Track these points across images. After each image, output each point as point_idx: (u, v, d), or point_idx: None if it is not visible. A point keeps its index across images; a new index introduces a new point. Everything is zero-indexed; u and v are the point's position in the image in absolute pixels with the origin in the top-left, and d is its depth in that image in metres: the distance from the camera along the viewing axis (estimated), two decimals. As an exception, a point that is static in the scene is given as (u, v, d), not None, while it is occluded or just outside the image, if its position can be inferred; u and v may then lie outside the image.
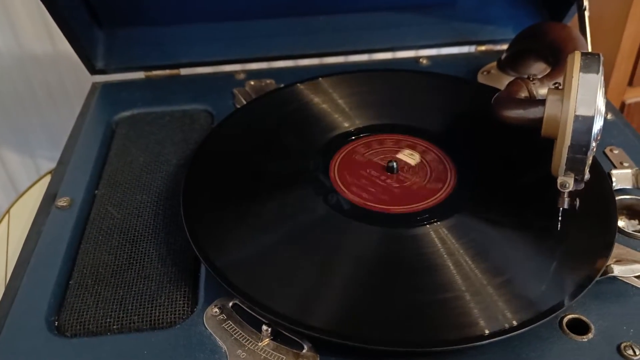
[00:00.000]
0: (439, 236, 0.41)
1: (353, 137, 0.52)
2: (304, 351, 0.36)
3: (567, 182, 0.39)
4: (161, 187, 0.50)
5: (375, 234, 0.42)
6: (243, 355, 0.36)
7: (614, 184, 0.47)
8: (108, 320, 0.39)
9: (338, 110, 0.54)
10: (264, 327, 0.37)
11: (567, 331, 0.37)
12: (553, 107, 0.40)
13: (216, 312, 0.39)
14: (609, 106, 0.57)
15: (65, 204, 0.48)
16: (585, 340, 0.37)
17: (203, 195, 0.46)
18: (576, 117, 0.37)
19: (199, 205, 0.44)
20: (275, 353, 0.36)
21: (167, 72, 0.65)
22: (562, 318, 0.38)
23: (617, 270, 0.39)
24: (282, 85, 0.60)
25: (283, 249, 0.41)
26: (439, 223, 0.42)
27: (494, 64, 0.63)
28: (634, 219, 0.46)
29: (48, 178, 0.52)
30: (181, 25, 0.66)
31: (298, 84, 0.57)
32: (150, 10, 0.65)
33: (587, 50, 0.50)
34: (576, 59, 0.38)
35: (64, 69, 0.82)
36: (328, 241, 0.42)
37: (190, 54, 0.66)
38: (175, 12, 0.66)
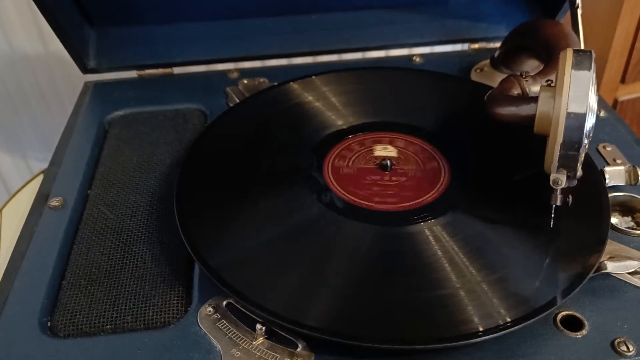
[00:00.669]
0: (433, 234, 0.41)
1: (347, 135, 0.51)
2: (299, 350, 0.36)
3: (560, 179, 0.39)
4: (155, 187, 0.50)
5: (369, 232, 0.42)
6: (237, 354, 0.36)
7: (607, 181, 0.47)
8: (101, 320, 0.39)
9: (331, 108, 0.54)
10: (258, 326, 0.37)
11: (562, 328, 0.37)
12: (545, 104, 0.40)
13: (210, 311, 0.39)
14: (601, 103, 0.57)
15: (57, 204, 0.48)
16: (580, 336, 0.37)
17: (196, 194, 0.46)
18: (568, 114, 0.38)
19: (192, 205, 0.44)
20: (269, 352, 0.36)
21: (160, 71, 0.65)
22: (557, 315, 0.38)
23: (611, 266, 0.39)
24: (275, 83, 0.60)
25: (277, 248, 0.41)
26: (433, 220, 0.42)
27: (487, 61, 0.63)
28: (627, 216, 0.46)
29: (40, 178, 0.51)
30: (174, 24, 0.66)
31: (291, 82, 0.57)
32: (143, 9, 0.65)
33: (580, 47, 0.50)
34: (568, 56, 0.38)
35: (56, 69, 0.82)
36: (322, 239, 0.42)
37: (183, 52, 0.65)
38: (168, 11, 0.65)
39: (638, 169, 0.47)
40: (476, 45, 0.69)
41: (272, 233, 0.42)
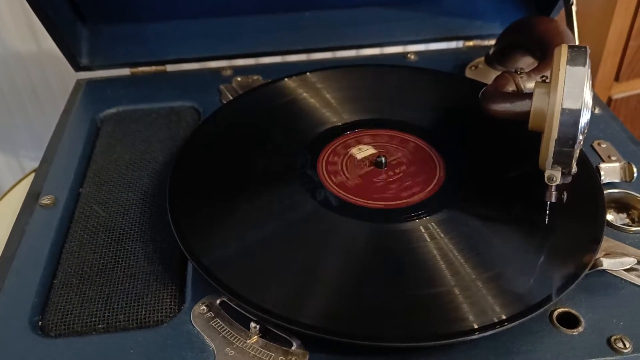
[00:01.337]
0: (428, 231, 0.41)
1: (342, 132, 0.51)
2: (293, 348, 0.36)
3: (555, 176, 0.39)
4: (147, 184, 0.49)
5: (364, 230, 0.42)
6: (231, 353, 0.36)
7: (602, 178, 0.47)
8: (93, 319, 0.38)
9: (326, 105, 0.54)
10: (253, 325, 0.36)
11: (557, 325, 0.37)
12: (540, 100, 0.40)
13: (204, 309, 0.38)
14: (596, 100, 0.57)
15: (49, 202, 0.47)
16: (576, 333, 0.37)
17: (190, 192, 0.45)
18: (563, 110, 0.37)
19: (185, 203, 0.44)
20: (264, 350, 0.36)
21: (153, 68, 0.65)
22: (552, 312, 0.38)
23: (607, 263, 0.39)
24: (269, 80, 0.59)
25: (271, 246, 0.41)
26: (428, 218, 0.42)
27: (482, 59, 0.63)
28: (622, 213, 0.46)
29: (32, 177, 0.51)
30: (167, 21, 0.66)
31: (286, 79, 0.57)
32: (136, 6, 0.64)
33: (575, 44, 0.50)
34: (563, 52, 0.38)
35: (48, 67, 0.81)
36: (316, 237, 0.41)
37: (177, 50, 0.65)
38: (161, 8, 0.65)
39: (633, 166, 0.46)
40: (471, 43, 0.69)
41: (266, 231, 0.42)
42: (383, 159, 0.47)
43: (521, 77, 0.45)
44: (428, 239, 0.41)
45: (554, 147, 0.38)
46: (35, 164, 0.53)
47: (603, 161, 0.49)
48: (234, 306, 0.38)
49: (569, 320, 0.37)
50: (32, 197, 0.48)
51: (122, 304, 0.39)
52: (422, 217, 0.42)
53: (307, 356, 0.35)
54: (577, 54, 0.38)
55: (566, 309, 0.38)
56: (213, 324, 0.37)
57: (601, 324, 0.37)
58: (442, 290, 0.37)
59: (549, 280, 0.38)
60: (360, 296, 0.37)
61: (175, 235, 0.41)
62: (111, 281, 0.41)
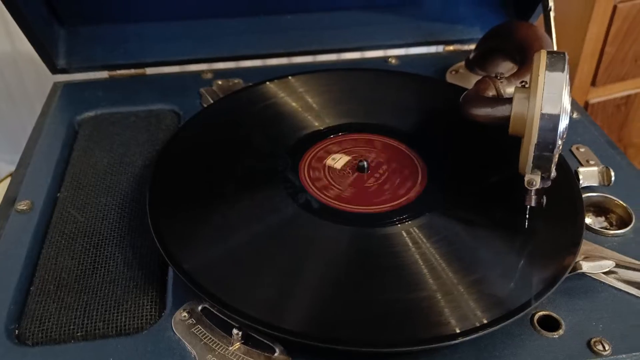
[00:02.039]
0: (410, 235, 0.41)
1: (324, 137, 0.51)
2: (276, 354, 0.36)
3: (534, 180, 0.40)
4: (126, 189, 0.49)
5: (346, 234, 0.42)
6: (213, 360, 0.35)
7: (580, 182, 0.47)
8: (72, 327, 0.38)
9: (308, 109, 0.54)
10: (235, 331, 0.36)
11: (538, 328, 0.37)
12: (520, 105, 0.40)
13: (185, 316, 0.38)
14: (574, 105, 0.58)
15: (25, 207, 0.46)
16: (556, 336, 0.37)
17: (170, 196, 0.45)
18: (542, 115, 0.38)
19: (165, 207, 0.43)
20: (246, 357, 0.35)
21: (132, 71, 0.64)
22: (533, 315, 0.38)
23: (586, 266, 0.40)
24: (250, 84, 0.59)
25: (252, 251, 0.41)
26: (410, 222, 0.42)
27: (462, 63, 0.64)
28: (601, 216, 0.47)
29: (8, 181, 0.50)
30: (147, 23, 0.65)
31: (267, 82, 0.56)
32: (115, 7, 0.63)
33: (553, 49, 0.51)
34: (542, 58, 0.39)
35: (24, 69, 0.80)
36: (298, 242, 0.41)
37: (156, 52, 0.64)
38: (141, 10, 0.64)
39: (611, 170, 0.47)
40: (451, 47, 0.69)
41: (247, 235, 0.42)
42: (365, 163, 0.47)
43: (501, 81, 0.45)
44: (410, 243, 0.41)
45: (534, 152, 0.38)
46: (12, 168, 0.52)
47: (582, 165, 0.50)
48: (216, 312, 0.37)
49: (550, 323, 0.38)
50: (8, 202, 0.47)
51: (101, 311, 0.39)
52: (405, 222, 0.42)
53: (290, 362, 0.35)
54: (555, 60, 0.38)
55: (547, 312, 0.38)
56: (194, 331, 0.37)
57: (581, 327, 0.38)
58: (424, 295, 0.37)
59: (530, 284, 0.38)
60: (342, 301, 0.37)
61: (155, 240, 0.40)
62: (89, 287, 0.40)
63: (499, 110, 0.41)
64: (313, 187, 0.46)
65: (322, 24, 0.68)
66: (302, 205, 0.44)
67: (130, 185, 0.49)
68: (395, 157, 0.49)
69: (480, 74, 0.60)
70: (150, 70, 0.64)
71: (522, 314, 0.36)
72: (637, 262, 0.41)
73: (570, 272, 0.39)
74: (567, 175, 0.46)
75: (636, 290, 0.40)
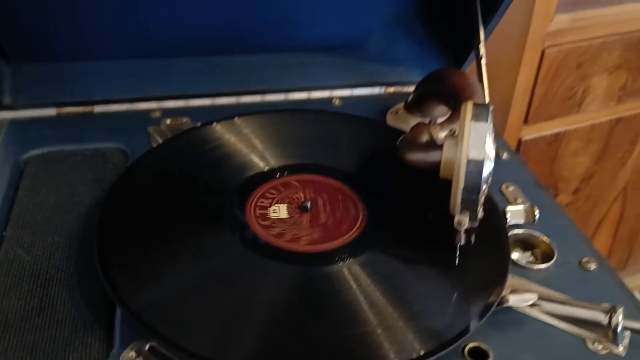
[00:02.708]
0: (351, 273, 0.44)
1: (270, 177, 0.53)
2: (222, 391, 0.37)
3: (463, 221, 0.43)
4: (73, 228, 0.49)
5: (290, 273, 0.44)
6: (160, 398, 0.36)
7: (508, 220, 0.51)
8: (17, 369, 0.38)
9: (254, 150, 0.56)
10: (182, 369, 0.37)
11: (469, 358, 0.40)
12: (449, 151, 0.44)
13: (132, 355, 0.38)
14: (504, 146, 0.62)
15: (-31, 247, 0.46)
16: (485, 367, 0.40)
17: (117, 235, 0.45)
18: (468, 161, 0.41)
19: (113, 246, 0.44)
20: (192, 394, 0.36)
21: (80, 109, 0.64)
22: (465, 346, 0.41)
23: (512, 299, 0.43)
24: (198, 123, 0.60)
25: (199, 289, 0.42)
26: (351, 260, 0.45)
27: (402, 104, 0.67)
28: (527, 252, 0.50)
29: (-50, 219, 0.50)
30: (95, 61, 0.65)
31: (214, 123, 0.58)
32: (62, 45, 0.64)
33: (483, 97, 0.55)
34: (468, 109, 0.43)
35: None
36: (243, 280, 0.43)
37: (105, 90, 0.65)
38: (89, 48, 0.65)
39: (535, 208, 0.51)
40: (392, 89, 0.72)
41: (194, 274, 0.43)
42: (308, 204, 0.49)
43: (434, 127, 0.48)
44: (352, 281, 0.43)
45: (462, 195, 0.42)
46: (-46, 207, 0.51)
47: (510, 204, 0.54)
48: (163, 351, 0.38)
49: (480, 354, 0.40)
50: (-49, 242, 0.47)
51: (48, 352, 0.39)
52: (346, 260, 0.45)
53: (236, 399, 0.36)
54: (480, 111, 0.42)
55: (477, 344, 0.41)
56: (142, 370, 0.38)
57: (509, 358, 0.40)
58: (366, 330, 0.39)
59: (462, 316, 0.41)
60: (286, 339, 0.39)
61: (102, 279, 0.41)
62: (36, 328, 0.40)
63: (431, 156, 0.45)
64: (259, 227, 0.47)
65: (270, 65, 0.70)
66: (248, 245, 0.45)
67: (77, 224, 0.49)
68: (336, 197, 0.51)
69: (418, 116, 0.63)
70: (98, 108, 0.64)
71: (454, 345, 0.39)
72: (559, 294, 0.45)
73: (497, 306, 0.42)
74: (496, 214, 0.49)
75: (558, 322, 0.43)
